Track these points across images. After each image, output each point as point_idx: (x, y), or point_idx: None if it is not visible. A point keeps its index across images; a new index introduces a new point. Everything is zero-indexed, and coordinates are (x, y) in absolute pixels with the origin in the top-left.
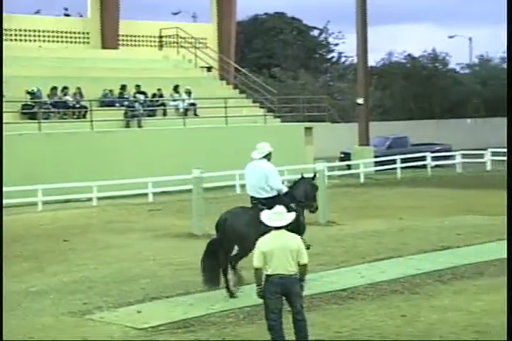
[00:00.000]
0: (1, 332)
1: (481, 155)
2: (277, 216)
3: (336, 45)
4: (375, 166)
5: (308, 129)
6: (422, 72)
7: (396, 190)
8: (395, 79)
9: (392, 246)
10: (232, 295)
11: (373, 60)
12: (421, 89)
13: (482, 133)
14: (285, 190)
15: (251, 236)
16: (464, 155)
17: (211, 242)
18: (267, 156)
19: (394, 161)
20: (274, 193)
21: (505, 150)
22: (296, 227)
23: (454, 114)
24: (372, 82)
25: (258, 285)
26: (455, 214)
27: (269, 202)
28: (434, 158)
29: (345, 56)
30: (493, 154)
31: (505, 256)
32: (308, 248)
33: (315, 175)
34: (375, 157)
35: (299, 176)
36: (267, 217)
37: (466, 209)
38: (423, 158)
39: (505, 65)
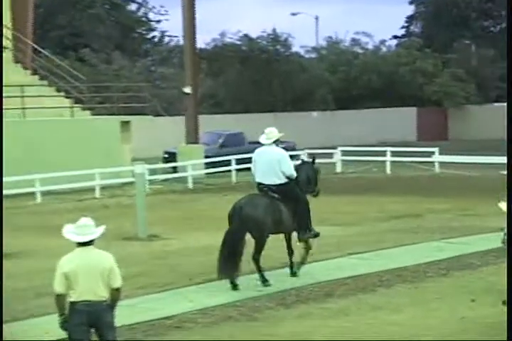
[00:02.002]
0: (0, 332)
1: (330, 155)
2: (83, 229)
3: (158, 22)
4: (206, 168)
5: (125, 124)
6: (261, 55)
7: (231, 197)
8: (229, 65)
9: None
10: (266, 282)
11: (203, 41)
12: (260, 76)
13: (331, 128)
14: (295, 175)
15: (268, 224)
16: (310, 155)
17: (229, 231)
18: (276, 142)
19: (228, 162)
20: (285, 180)
21: (358, 149)
22: (307, 216)
23: (298, 105)
24: (202, 67)
25: (61, 315)
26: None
27: (279, 189)
28: None
29: (168, 36)
30: (344, 154)
31: (357, 273)
32: (317, 235)
33: (314, 159)
34: (206, 157)
35: (299, 161)
36: (70, 231)
37: (314, 218)
38: None
39: (357, 48)
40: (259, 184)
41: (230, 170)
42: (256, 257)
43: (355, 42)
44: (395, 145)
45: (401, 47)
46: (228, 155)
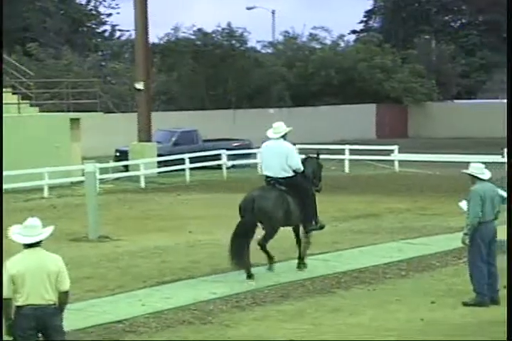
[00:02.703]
0: (0, 332)
1: None
2: (30, 230)
3: (109, 15)
4: (159, 167)
5: (74, 121)
6: (216, 51)
7: (185, 197)
8: (183, 60)
9: (180, 266)
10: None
11: (155, 35)
12: (214, 72)
13: (288, 125)
14: (302, 169)
15: (279, 216)
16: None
17: (240, 223)
18: (284, 136)
19: (182, 161)
20: (292, 173)
21: (315, 146)
22: (314, 209)
23: (254, 102)
24: (154, 62)
25: (7, 320)
26: None
27: (287, 182)
28: (231, 157)
29: (120, 30)
30: (301, 152)
31: (315, 274)
32: (322, 227)
33: (318, 154)
34: (159, 156)
35: (304, 156)
36: (17, 232)
37: None
38: (217, 157)
39: (315, 44)
40: (267, 177)
41: (183, 169)
42: (262, 243)
43: (312, 37)
44: (354, 143)
45: (360, 42)
46: (182, 153)
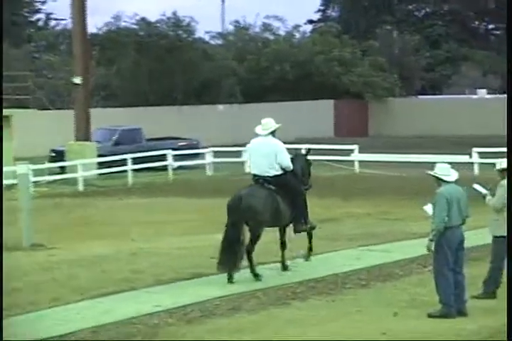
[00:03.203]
0: (0, 332)
1: (238, 154)
2: None
3: (43, 3)
4: (99, 168)
5: (5, 119)
6: (161, 42)
7: (126, 201)
8: (125, 52)
9: (121, 276)
10: (257, 276)
11: (94, 24)
12: (159, 65)
13: (239, 123)
14: (292, 167)
15: (267, 216)
16: (216, 154)
17: (229, 224)
18: (273, 133)
19: (124, 162)
20: (281, 171)
21: None
22: (304, 208)
23: (202, 98)
24: (93, 54)
25: None
26: (205, 232)
27: (276, 181)
28: (178, 157)
29: (55, 19)
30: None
31: (268, 285)
32: (313, 228)
33: (309, 151)
34: (99, 156)
35: (294, 153)
36: None
37: (219, 224)
38: (162, 158)
39: (268, 35)
40: (255, 176)
41: (125, 171)
42: (249, 248)
43: (265, 27)
44: (311, 142)
45: (316, 33)
46: (124, 153)
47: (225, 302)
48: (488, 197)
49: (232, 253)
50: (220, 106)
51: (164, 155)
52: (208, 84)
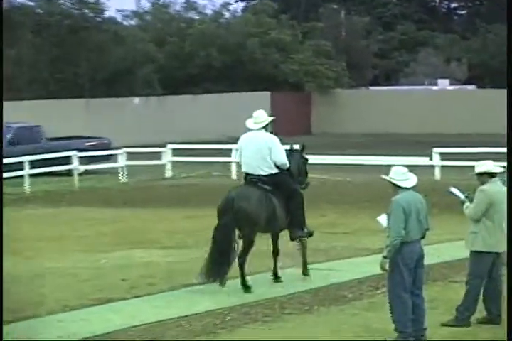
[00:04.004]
0: (0, 331)
1: (158, 155)
2: None
3: None
4: None
5: None
6: (63, 22)
7: (24, 212)
8: (20, 34)
9: (22, 302)
10: (248, 288)
11: None
12: (62, 50)
13: (158, 119)
14: (288, 165)
15: (261, 221)
16: (130, 155)
17: (218, 227)
18: (266, 127)
19: (20, 165)
20: (276, 170)
21: (194, 146)
22: (302, 212)
23: (114, 89)
24: None
25: None
26: (118, 248)
27: (271, 180)
28: (85, 160)
29: None
30: (176, 153)
31: (193, 311)
32: (311, 234)
33: (304, 147)
34: None
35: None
36: None
37: (133, 239)
38: (67, 161)
39: (192, 14)
40: (248, 174)
41: (21, 176)
42: (241, 258)
43: (189, 5)
44: None
45: (249, 12)
46: (20, 155)
47: (143, 331)
48: (467, 204)
49: (222, 262)
50: (136, 99)
51: (69, 157)
52: (121, 72)
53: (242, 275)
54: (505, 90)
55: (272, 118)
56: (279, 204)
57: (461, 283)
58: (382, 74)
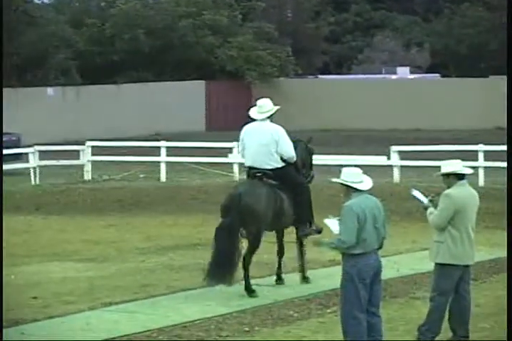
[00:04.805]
0: (1, 331)
1: (75, 154)
2: None
3: None
4: None
5: None
6: None
7: None
8: None
9: None
10: (252, 292)
11: None
12: None
13: (76, 113)
14: (295, 158)
15: (268, 219)
16: (44, 154)
17: (222, 225)
18: (271, 117)
19: None
20: (282, 163)
21: (117, 144)
22: (310, 207)
23: (24, 78)
24: None
25: None
26: (29, 261)
27: (277, 174)
28: None
29: None
30: (96, 151)
31: (115, 333)
32: (320, 231)
33: (310, 138)
34: None
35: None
36: None
37: (47, 251)
38: None
39: None
40: (251, 168)
41: None
42: (247, 259)
43: None
44: (175, 138)
45: None
46: None
47: None
48: (431, 210)
49: (227, 263)
50: (50, 90)
51: None
52: (33, 58)
53: (247, 279)
54: (472, 79)
55: (277, 107)
56: (287, 200)
57: (423, 299)
58: (333, 61)
